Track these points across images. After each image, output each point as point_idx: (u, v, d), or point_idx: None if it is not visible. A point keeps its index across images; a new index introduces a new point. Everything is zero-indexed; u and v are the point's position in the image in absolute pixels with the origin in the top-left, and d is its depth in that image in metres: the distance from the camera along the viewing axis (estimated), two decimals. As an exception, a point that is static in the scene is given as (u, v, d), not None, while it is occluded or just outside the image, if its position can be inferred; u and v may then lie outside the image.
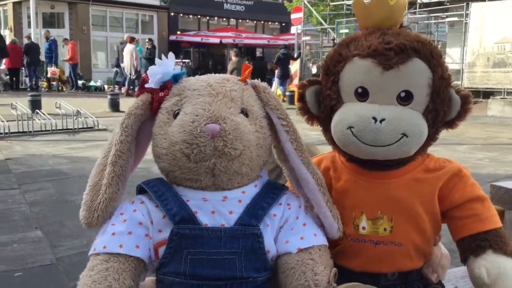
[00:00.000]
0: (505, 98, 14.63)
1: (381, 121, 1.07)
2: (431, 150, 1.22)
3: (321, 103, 1.19)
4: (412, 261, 1.19)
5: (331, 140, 1.19)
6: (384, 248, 1.17)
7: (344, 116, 1.11)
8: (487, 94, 15.36)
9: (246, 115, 1.13)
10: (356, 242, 1.18)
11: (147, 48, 19.71)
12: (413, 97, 1.10)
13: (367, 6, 1.14)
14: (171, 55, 1.19)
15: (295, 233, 1.13)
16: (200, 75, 1.22)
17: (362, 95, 1.11)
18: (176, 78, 1.18)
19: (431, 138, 1.16)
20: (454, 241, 1.19)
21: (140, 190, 1.19)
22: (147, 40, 20.76)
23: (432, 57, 1.10)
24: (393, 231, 1.16)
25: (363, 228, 1.18)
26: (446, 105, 1.13)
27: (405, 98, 1.10)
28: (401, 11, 1.15)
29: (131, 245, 1.09)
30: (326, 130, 1.19)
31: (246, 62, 18.39)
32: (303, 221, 1.16)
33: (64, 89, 19.71)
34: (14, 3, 23.92)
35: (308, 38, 21.24)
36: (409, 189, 1.17)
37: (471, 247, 1.14)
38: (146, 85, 1.17)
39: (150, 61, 19.19)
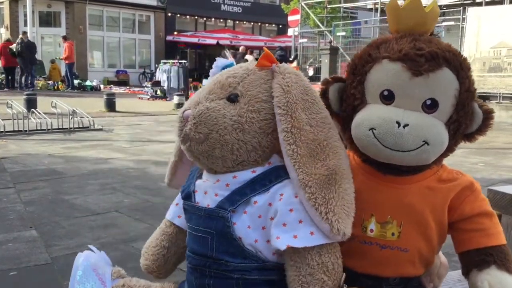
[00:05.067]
0: (501, 103, 14.67)
1: (404, 126, 1.06)
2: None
3: (344, 102, 1.19)
4: (415, 268, 1.19)
5: (349, 139, 1.18)
6: (390, 253, 1.17)
7: (367, 117, 1.11)
8: (483, 98, 15.27)
9: (233, 100, 1.15)
10: (362, 244, 1.18)
11: (19, 43, 18.47)
12: (438, 106, 1.09)
13: (401, 10, 1.13)
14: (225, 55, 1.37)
15: (288, 230, 1.08)
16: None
17: (387, 98, 1.11)
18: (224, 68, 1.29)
19: (450, 149, 1.15)
20: (457, 253, 1.19)
21: None
22: (23, 32, 19.46)
23: (462, 68, 1.10)
24: (401, 236, 1.16)
25: (371, 230, 1.17)
26: (468, 118, 1.13)
27: (431, 106, 1.09)
28: (434, 18, 1.14)
29: (175, 214, 1.34)
30: (346, 129, 1.19)
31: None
32: (299, 217, 1.08)
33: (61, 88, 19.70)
34: (10, 1, 23.85)
35: (305, 40, 21.27)
36: (421, 197, 1.16)
37: (475, 260, 1.14)
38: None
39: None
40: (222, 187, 1.16)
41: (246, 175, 1.16)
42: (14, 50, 18.43)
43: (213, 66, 1.32)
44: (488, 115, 1.15)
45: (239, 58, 17.91)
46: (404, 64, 1.08)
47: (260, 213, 1.12)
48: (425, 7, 1.12)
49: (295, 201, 1.09)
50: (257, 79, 1.18)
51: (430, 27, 1.14)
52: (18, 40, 18.71)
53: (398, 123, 1.07)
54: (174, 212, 1.34)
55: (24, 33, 19.49)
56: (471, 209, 1.16)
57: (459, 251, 1.18)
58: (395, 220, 1.16)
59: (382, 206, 1.17)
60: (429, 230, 1.16)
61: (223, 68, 1.28)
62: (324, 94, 1.21)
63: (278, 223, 1.09)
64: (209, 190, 1.18)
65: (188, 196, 1.23)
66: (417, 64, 1.07)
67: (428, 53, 1.07)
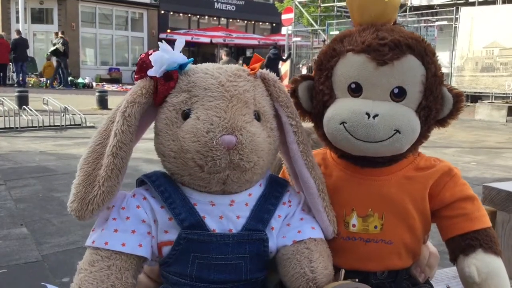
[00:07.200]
0: (493, 103, 14.77)
1: (374, 117, 1.06)
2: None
3: (314, 99, 1.18)
4: (401, 260, 1.18)
5: (323, 136, 1.18)
6: (374, 246, 1.16)
7: (337, 112, 1.10)
8: (475, 98, 15.50)
9: (258, 118, 1.08)
10: (346, 240, 1.17)
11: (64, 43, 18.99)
12: (407, 94, 1.09)
13: (362, 2, 1.14)
14: (181, 40, 1.08)
15: (292, 229, 1.12)
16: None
17: (355, 90, 1.10)
18: (181, 67, 1.09)
19: (423, 135, 1.15)
20: (444, 241, 1.18)
21: (141, 182, 1.14)
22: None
23: (426, 54, 1.10)
24: (383, 228, 1.15)
25: (354, 225, 1.16)
26: (438, 102, 1.13)
27: (399, 95, 1.09)
28: (395, 8, 1.15)
29: (134, 244, 1.05)
30: (318, 126, 1.18)
31: (240, 62, 18.38)
32: (300, 216, 1.14)
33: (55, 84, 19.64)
34: (2, -2, 23.69)
35: (298, 39, 21.30)
36: (400, 187, 1.16)
37: (461, 246, 1.13)
38: (149, 72, 1.06)
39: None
40: (242, 208, 1.09)
41: (257, 190, 1.13)
42: (61, 50, 18.77)
43: (158, 61, 1.05)
44: (458, 98, 1.14)
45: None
46: (368, 55, 1.07)
47: (282, 225, 1.13)
48: None
49: (298, 207, 1.16)
50: (262, 91, 1.11)
51: (392, 17, 1.14)
52: (62, 41, 18.95)
53: (368, 114, 1.06)
54: (132, 242, 1.05)
55: (63, 32, 19.72)
56: (452, 194, 1.15)
57: (445, 238, 1.17)
58: (376, 213, 1.15)
59: (362, 199, 1.16)
60: (411, 220, 1.15)
61: (182, 66, 1.08)
62: (293, 93, 1.20)
63: (283, 225, 1.13)
64: (228, 214, 1.07)
65: (195, 226, 1.05)
66: (381, 54, 1.06)
67: (391, 42, 1.07)
